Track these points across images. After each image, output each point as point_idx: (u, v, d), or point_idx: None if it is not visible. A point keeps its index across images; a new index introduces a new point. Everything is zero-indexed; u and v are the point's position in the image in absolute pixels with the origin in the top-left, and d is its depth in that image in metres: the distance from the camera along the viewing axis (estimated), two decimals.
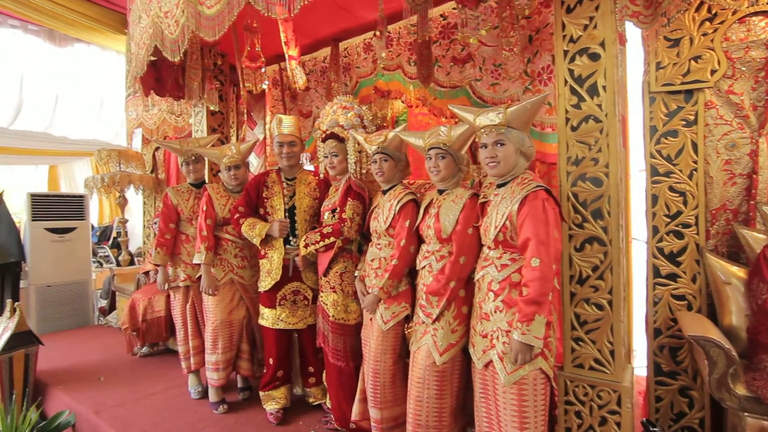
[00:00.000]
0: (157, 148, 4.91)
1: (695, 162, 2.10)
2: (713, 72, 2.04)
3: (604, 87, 1.75)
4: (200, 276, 2.65)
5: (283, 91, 3.86)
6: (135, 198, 5.49)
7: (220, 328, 2.62)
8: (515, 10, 2.23)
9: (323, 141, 2.43)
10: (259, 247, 2.49)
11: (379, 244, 2.13)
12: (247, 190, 2.55)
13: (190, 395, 2.85)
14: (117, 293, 4.55)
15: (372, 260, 2.13)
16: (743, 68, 2.02)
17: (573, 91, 1.80)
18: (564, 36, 1.82)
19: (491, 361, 1.59)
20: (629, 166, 2.32)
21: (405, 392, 2.06)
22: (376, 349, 2.00)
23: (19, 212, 6.02)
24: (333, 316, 2.27)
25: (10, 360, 2.76)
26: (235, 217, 2.51)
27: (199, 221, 2.66)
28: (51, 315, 4.54)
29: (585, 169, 1.79)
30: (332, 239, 2.23)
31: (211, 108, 3.20)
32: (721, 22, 2.02)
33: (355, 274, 2.26)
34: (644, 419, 2.05)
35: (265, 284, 2.47)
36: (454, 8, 2.84)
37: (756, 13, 1.98)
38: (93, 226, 6.22)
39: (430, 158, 1.90)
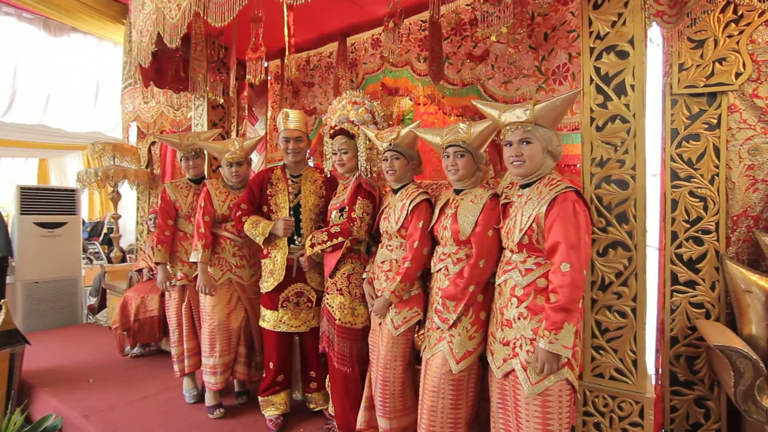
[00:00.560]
0: (153, 143, 4.77)
1: (717, 167, 2.05)
2: (738, 75, 1.99)
3: (632, 86, 1.68)
4: (197, 275, 2.53)
5: (284, 87, 3.76)
6: (128, 193, 5.35)
7: (218, 330, 2.51)
8: (534, 7, 2.17)
9: (332, 137, 2.33)
10: (262, 247, 2.39)
11: (389, 246, 2.04)
12: (251, 187, 2.45)
13: (185, 399, 2.73)
14: (108, 291, 4.41)
15: (382, 262, 2.04)
16: None
17: (599, 90, 1.73)
18: (591, 33, 1.75)
19: (512, 370, 1.51)
20: None
21: (415, 401, 1.97)
22: (386, 355, 1.91)
23: (7, 205, 5.83)
24: (339, 319, 2.17)
25: None
26: (237, 214, 2.41)
27: (196, 218, 2.55)
28: (38, 312, 4.38)
29: (610, 171, 1.72)
30: (340, 239, 2.14)
31: (219, 101, 3.08)
32: (747, 24, 1.97)
33: (363, 276, 2.17)
34: (662, 430, 1.99)
35: (267, 285, 2.37)
36: (467, 4, 2.77)
37: None
38: (84, 222, 6.04)
39: (448, 156, 1.82)
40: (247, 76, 2.30)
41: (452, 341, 1.69)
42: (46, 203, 4.44)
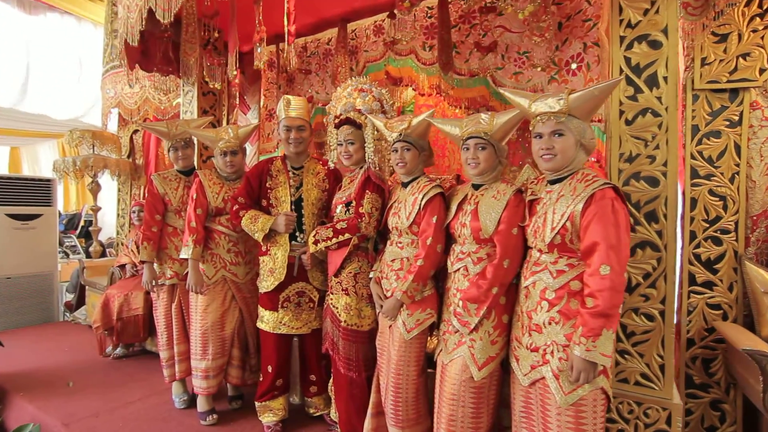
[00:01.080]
0: (135, 131, 4.51)
1: (737, 165, 2.00)
2: (762, 71, 1.93)
3: (665, 78, 1.59)
4: (188, 273, 2.36)
5: (279, 74, 3.58)
6: (107, 185, 5.07)
7: (211, 331, 2.34)
8: None
9: (337, 127, 2.19)
10: (261, 243, 2.23)
11: (400, 243, 1.92)
12: (248, 179, 2.28)
13: (174, 404, 2.56)
14: (87, 287, 4.16)
15: (392, 260, 1.91)
16: None
17: (629, 81, 1.64)
18: (621, 21, 1.66)
19: (541, 378, 1.42)
20: None
21: (428, 408, 1.87)
22: (398, 361, 1.80)
23: None
24: (345, 321, 2.04)
25: None
26: (234, 208, 2.24)
27: (188, 211, 2.37)
28: (11, 310, 4.11)
29: (639, 167, 1.64)
30: (347, 236, 2.00)
31: (216, 86, 2.89)
32: None
33: (370, 276, 2.04)
34: None
35: (267, 284, 2.22)
36: None
37: None
38: (60, 214, 5.71)
39: (468, 149, 1.70)
40: (255, 61, 2.13)
41: (473, 346, 1.59)
42: (19, 194, 4.16)
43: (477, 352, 1.58)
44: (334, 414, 2.23)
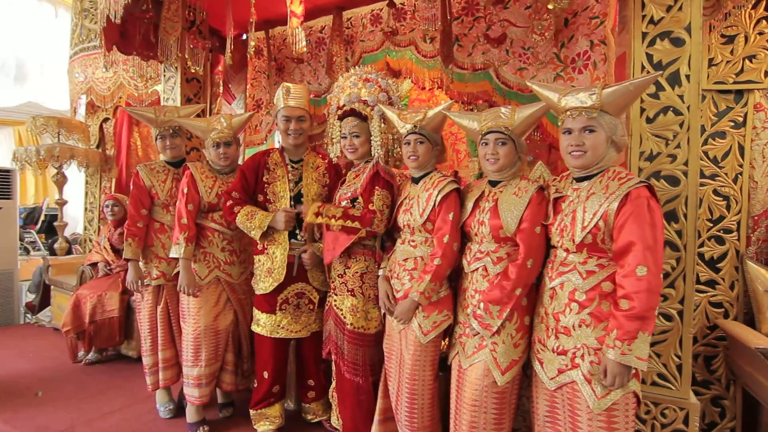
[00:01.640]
0: (106, 119, 4.21)
1: (741, 165, 2.03)
2: (767, 73, 1.96)
3: (687, 76, 1.58)
4: (177, 273, 2.19)
5: (269, 62, 3.41)
6: (73, 176, 4.72)
7: (204, 335, 2.18)
8: None
9: (340, 119, 2.07)
10: (258, 241, 2.09)
11: (413, 241, 1.83)
12: (243, 173, 2.13)
13: (159, 413, 2.38)
14: (52, 287, 3.85)
15: (405, 260, 1.82)
16: None
17: None
18: (643, 17, 1.63)
19: (570, 382, 1.37)
20: None
21: (441, 414, 1.80)
22: (414, 365, 1.71)
23: None
24: (351, 324, 1.94)
25: None
26: (228, 204, 2.09)
27: (178, 206, 2.19)
28: None
29: (660, 165, 1.62)
30: (357, 224, 1.87)
31: (198, 70, 2.69)
32: None
33: (379, 273, 1.94)
34: None
35: (264, 285, 2.08)
36: None
37: None
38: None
39: (487, 144, 1.63)
40: (248, 49, 1.98)
41: (495, 350, 1.53)
42: None
43: (500, 355, 1.52)
44: (335, 421, 2.13)
